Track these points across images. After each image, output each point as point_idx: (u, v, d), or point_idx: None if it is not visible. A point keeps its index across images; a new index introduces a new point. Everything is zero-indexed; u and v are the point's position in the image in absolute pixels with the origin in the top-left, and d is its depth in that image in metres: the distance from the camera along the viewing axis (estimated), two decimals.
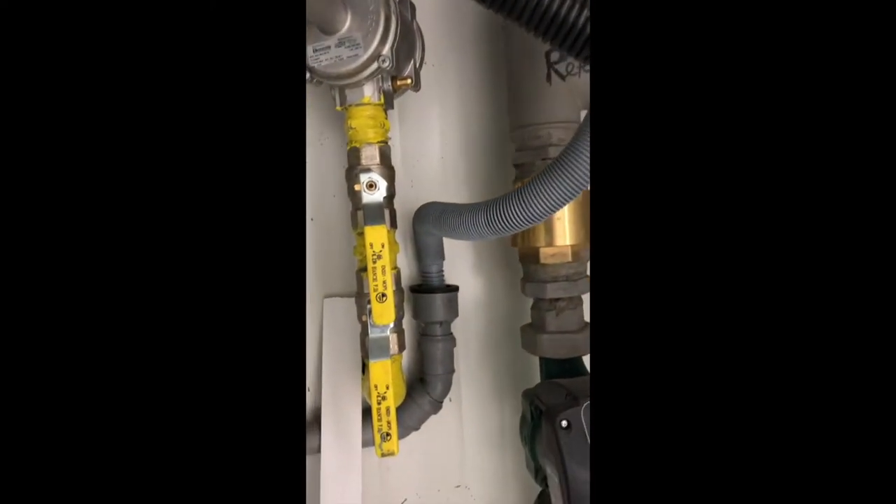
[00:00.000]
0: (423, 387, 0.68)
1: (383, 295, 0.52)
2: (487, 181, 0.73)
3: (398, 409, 0.65)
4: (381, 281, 0.52)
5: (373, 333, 0.53)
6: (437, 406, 0.68)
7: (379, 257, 0.52)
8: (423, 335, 0.68)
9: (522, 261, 0.64)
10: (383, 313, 0.52)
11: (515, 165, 0.63)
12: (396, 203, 0.65)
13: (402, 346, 0.59)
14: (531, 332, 0.63)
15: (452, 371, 0.69)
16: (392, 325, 0.55)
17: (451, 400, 0.73)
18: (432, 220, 0.55)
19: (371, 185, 0.53)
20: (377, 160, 0.56)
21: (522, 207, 0.44)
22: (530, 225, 0.46)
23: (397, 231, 0.66)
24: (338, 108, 0.57)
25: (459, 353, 0.72)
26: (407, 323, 0.69)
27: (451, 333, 0.69)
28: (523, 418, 0.65)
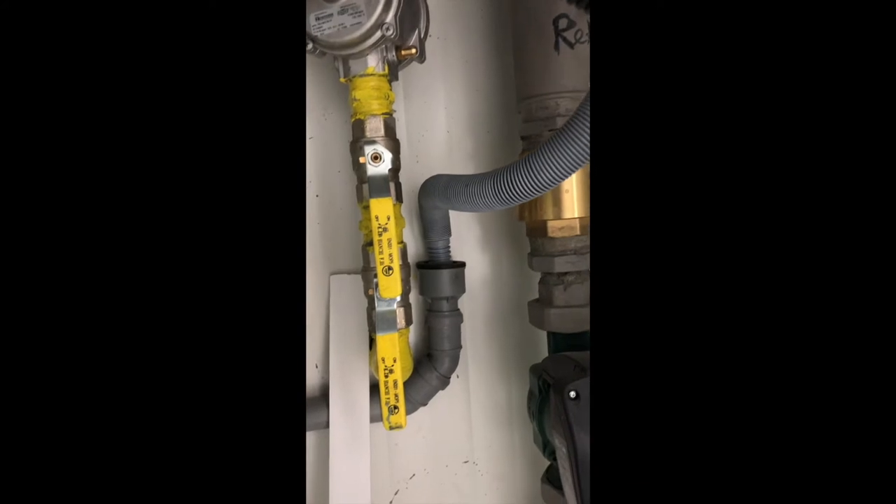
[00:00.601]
0: (431, 362, 0.68)
1: (389, 268, 0.51)
2: (494, 155, 0.72)
3: (405, 385, 0.65)
4: (388, 254, 0.51)
5: (379, 307, 0.53)
6: (444, 382, 0.68)
7: (384, 230, 0.51)
8: (430, 311, 0.67)
9: (530, 235, 0.63)
10: (389, 286, 0.51)
11: (522, 137, 0.62)
12: (401, 179, 0.64)
13: (408, 321, 0.59)
14: (539, 307, 0.62)
15: (459, 347, 0.68)
16: (398, 299, 0.55)
17: (458, 376, 0.73)
18: (438, 193, 0.54)
19: (376, 157, 0.53)
20: (382, 132, 0.55)
21: (530, 176, 0.43)
22: (538, 194, 0.45)
23: (403, 207, 0.65)
24: (342, 79, 0.56)
25: (466, 329, 0.72)
26: (414, 299, 0.69)
27: (458, 309, 0.68)
28: (531, 393, 0.65)
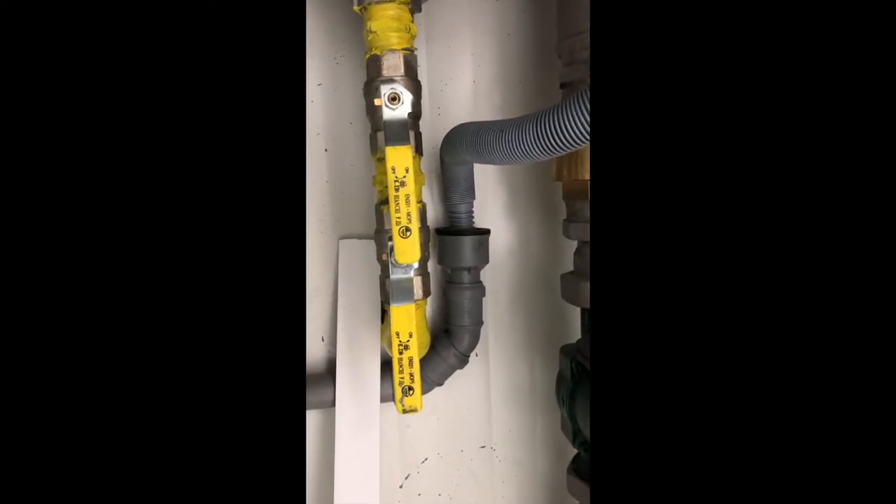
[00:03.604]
0: (449, 339, 0.61)
1: (407, 229, 0.44)
2: (526, 111, 0.64)
3: (421, 362, 0.59)
4: (405, 213, 0.44)
5: (394, 274, 0.46)
6: (463, 360, 0.62)
7: (402, 184, 0.44)
8: (450, 283, 0.60)
9: (567, 197, 0.55)
10: (407, 250, 0.44)
11: (562, 85, 0.54)
12: (421, 131, 0.57)
13: (426, 292, 0.52)
14: (574, 281, 0.55)
15: (481, 323, 0.61)
16: (416, 265, 0.48)
17: (476, 355, 0.66)
18: (466, 143, 0.47)
19: (394, 98, 0.45)
20: (402, 70, 0.47)
21: (581, 117, 0.36)
22: (589, 142, 0.37)
23: (422, 166, 0.58)
24: (355, 7, 0.48)
25: (488, 303, 0.65)
26: (431, 269, 0.62)
27: (480, 281, 0.61)
28: (561, 377, 0.58)
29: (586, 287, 0.54)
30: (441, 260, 0.60)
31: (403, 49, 0.48)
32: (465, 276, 0.60)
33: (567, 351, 0.56)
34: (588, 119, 0.36)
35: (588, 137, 0.36)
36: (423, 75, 0.61)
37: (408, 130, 0.45)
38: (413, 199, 0.44)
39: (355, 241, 0.63)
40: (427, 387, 0.62)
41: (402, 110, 0.45)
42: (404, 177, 0.44)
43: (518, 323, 0.68)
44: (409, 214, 0.44)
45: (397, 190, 0.44)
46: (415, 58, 0.50)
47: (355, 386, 0.61)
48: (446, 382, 0.62)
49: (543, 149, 0.38)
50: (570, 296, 0.56)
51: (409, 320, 0.46)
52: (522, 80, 0.64)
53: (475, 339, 0.62)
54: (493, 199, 0.66)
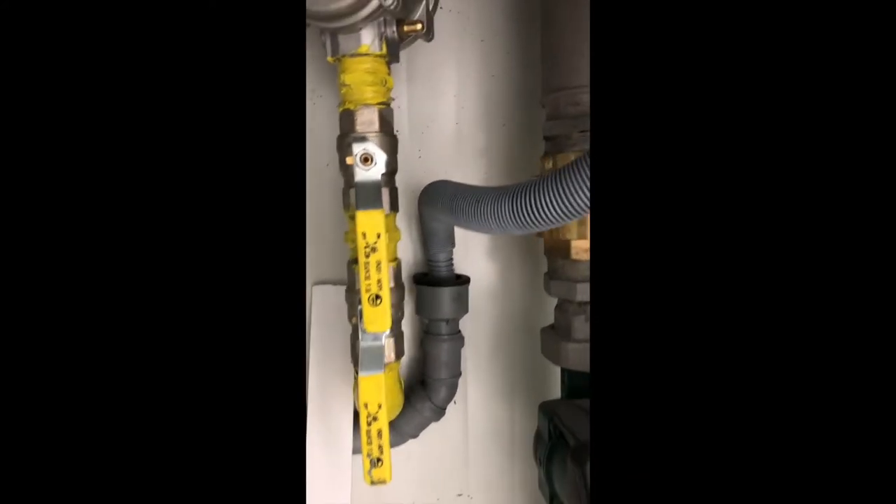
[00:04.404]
0: (425, 391, 0.59)
1: (377, 297, 0.42)
2: (510, 154, 0.62)
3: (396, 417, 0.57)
4: (376, 280, 0.42)
5: (364, 341, 0.44)
6: (439, 413, 0.60)
7: (373, 250, 0.42)
8: (427, 333, 0.58)
9: (549, 254, 0.54)
10: (376, 319, 0.42)
11: (546, 138, 0.52)
12: (401, 176, 0.54)
13: (399, 353, 0.50)
14: (554, 338, 0.53)
15: (459, 374, 0.60)
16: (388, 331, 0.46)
17: (455, 402, 0.64)
18: (442, 205, 0.45)
19: (366, 159, 0.43)
20: (376, 126, 0.45)
21: (560, 198, 0.34)
22: (569, 220, 0.35)
23: (401, 210, 0.55)
24: (329, 58, 0.46)
25: (468, 348, 0.63)
26: (409, 315, 0.60)
27: (459, 331, 0.59)
28: (538, 436, 0.56)
29: (567, 347, 0.52)
30: (418, 310, 0.58)
31: (379, 104, 0.46)
32: (443, 328, 0.58)
33: (546, 410, 0.55)
34: (566, 198, 0.34)
35: (566, 216, 0.35)
36: (402, 116, 0.59)
37: (380, 192, 0.43)
38: (384, 265, 0.42)
39: (329, 286, 0.61)
40: (401, 439, 0.60)
41: (375, 171, 0.43)
42: (375, 242, 0.42)
43: (498, 368, 0.67)
44: (379, 281, 0.42)
45: (367, 256, 0.42)
46: (391, 111, 0.47)
47: (327, 437, 0.59)
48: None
49: (519, 224, 0.37)
50: (549, 353, 0.54)
51: (379, 391, 0.44)
52: (506, 123, 0.61)
53: (452, 391, 0.60)
54: (474, 242, 0.64)
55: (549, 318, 0.58)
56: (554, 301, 0.56)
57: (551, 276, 0.53)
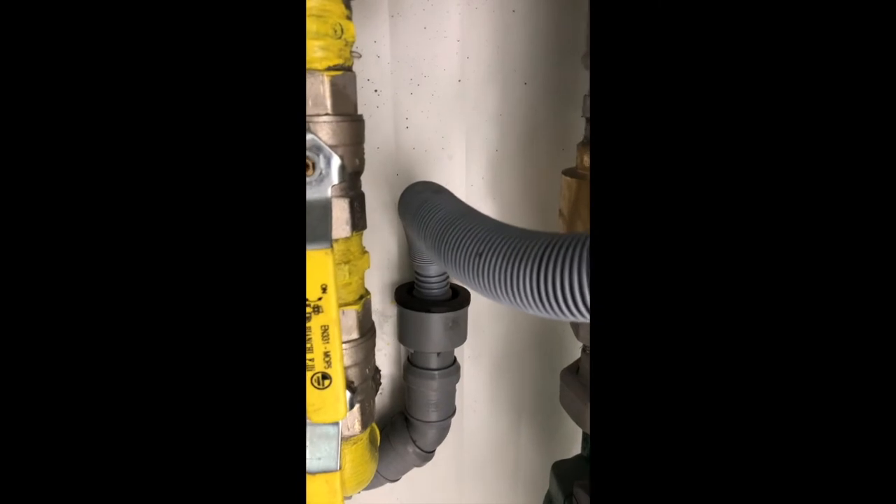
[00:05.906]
0: (408, 432, 0.47)
1: (324, 377, 0.28)
2: (532, 125, 0.45)
3: None
4: (321, 353, 0.28)
5: (312, 430, 0.30)
6: (425, 457, 0.48)
7: (317, 310, 0.27)
8: (413, 366, 0.45)
9: None
10: (323, 406, 0.29)
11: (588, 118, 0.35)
12: (383, 156, 0.39)
13: (366, 423, 0.36)
14: (578, 392, 0.40)
15: (452, 414, 0.47)
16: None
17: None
18: (427, 236, 0.29)
19: (306, 166, 0.27)
20: (328, 105, 0.29)
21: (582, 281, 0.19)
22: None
23: (381, 198, 0.40)
24: None
25: (466, 371, 0.50)
26: (391, 329, 0.46)
27: (455, 362, 0.46)
28: (549, 497, 0.44)
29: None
30: (402, 337, 0.45)
31: (330, 69, 0.29)
32: (434, 361, 0.44)
33: (560, 474, 0.42)
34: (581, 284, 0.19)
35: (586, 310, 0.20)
36: (383, 70, 0.42)
37: (328, 218, 0.28)
38: (335, 332, 0.28)
39: None
40: (377, 482, 0.48)
41: (325, 185, 0.27)
42: (319, 300, 0.27)
43: (502, 396, 0.54)
44: (327, 355, 0.28)
45: (310, 319, 0.27)
46: (352, 76, 0.31)
47: None
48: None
49: (549, 310, 0.22)
50: (571, 408, 0.41)
51: (333, 496, 0.31)
52: (529, 81, 0.44)
53: (443, 433, 0.47)
54: None
55: (559, 332, 0.44)
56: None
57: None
